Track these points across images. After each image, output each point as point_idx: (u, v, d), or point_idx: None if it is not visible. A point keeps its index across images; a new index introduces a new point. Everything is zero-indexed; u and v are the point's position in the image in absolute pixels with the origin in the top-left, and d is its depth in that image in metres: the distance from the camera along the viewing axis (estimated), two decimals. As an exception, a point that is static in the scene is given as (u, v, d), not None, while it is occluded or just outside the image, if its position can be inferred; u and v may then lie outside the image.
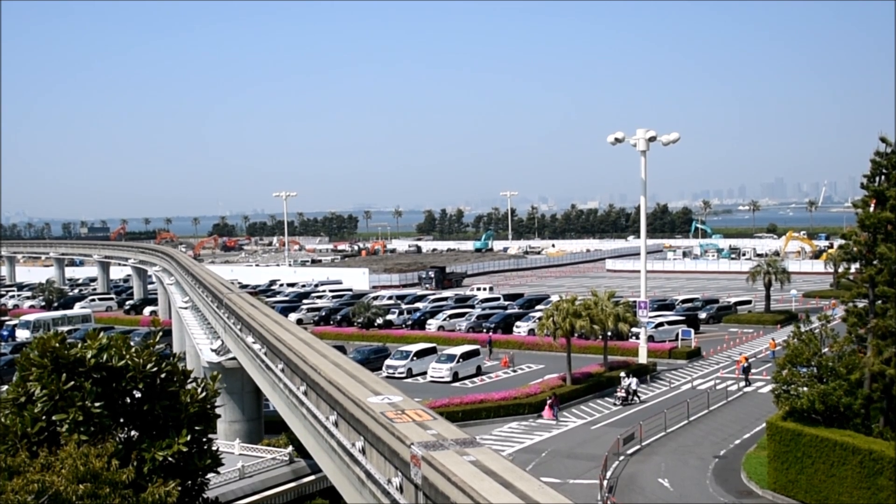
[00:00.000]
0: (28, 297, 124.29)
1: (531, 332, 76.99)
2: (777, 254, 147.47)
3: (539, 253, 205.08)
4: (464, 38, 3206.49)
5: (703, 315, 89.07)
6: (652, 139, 66.02)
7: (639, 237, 78.12)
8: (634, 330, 66.49)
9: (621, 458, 43.55)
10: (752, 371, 63.25)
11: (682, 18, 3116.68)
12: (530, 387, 56.44)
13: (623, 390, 56.10)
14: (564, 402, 55.03)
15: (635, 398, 56.22)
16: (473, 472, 15.38)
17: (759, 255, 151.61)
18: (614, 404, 55.43)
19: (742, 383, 59.57)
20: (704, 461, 43.22)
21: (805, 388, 37.62)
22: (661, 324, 77.20)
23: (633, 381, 56.79)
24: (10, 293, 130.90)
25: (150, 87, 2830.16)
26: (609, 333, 62.60)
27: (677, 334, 75.05)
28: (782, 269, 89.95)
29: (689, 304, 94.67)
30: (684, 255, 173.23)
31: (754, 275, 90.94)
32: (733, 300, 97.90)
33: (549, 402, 52.02)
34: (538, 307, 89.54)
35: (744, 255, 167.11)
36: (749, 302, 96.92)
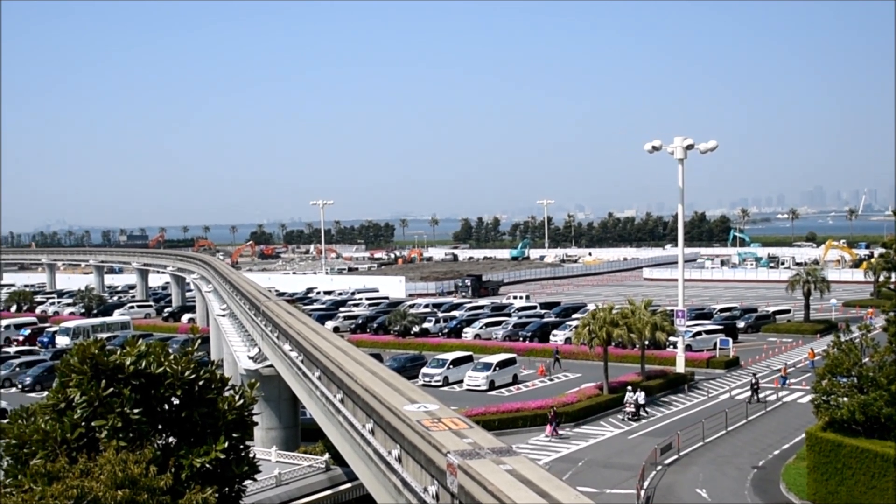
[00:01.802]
0: (68, 304, 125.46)
1: (568, 340, 76.67)
2: (816, 262, 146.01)
3: (576, 261, 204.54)
4: (501, 45, 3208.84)
5: (741, 324, 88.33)
6: (689, 147, 65.70)
7: (676, 246, 77.70)
8: (672, 339, 65.97)
9: (658, 468, 43.27)
10: (791, 382, 62.70)
11: (721, 24, 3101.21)
12: (567, 396, 56.24)
13: (630, 405, 54.78)
14: (602, 410, 54.81)
15: (643, 412, 55.09)
16: (510, 481, 15.33)
17: (799, 264, 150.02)
18: (622, 420, 54.17)
19: (750, 398, 57.47)
20: (743, 472, 42.84)
21: (845, 399, 37.22)
22: (698, 333, 76.65)
23: (640, 395, 55.50)
24: (51, 300, 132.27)
25: (189, 96, 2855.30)
26: (646, 342, 62.15)
27: (715, 343, 74.48)
28: (822, 278, 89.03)
29: (728, 314, 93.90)
30: (722, 263, 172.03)
31: (793, 284, 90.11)
32: (772, 309, 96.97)
33: (550, 416, 51.20)
34: (575, 316, 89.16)
35: (782, 263, 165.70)
36: (788, 311, 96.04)
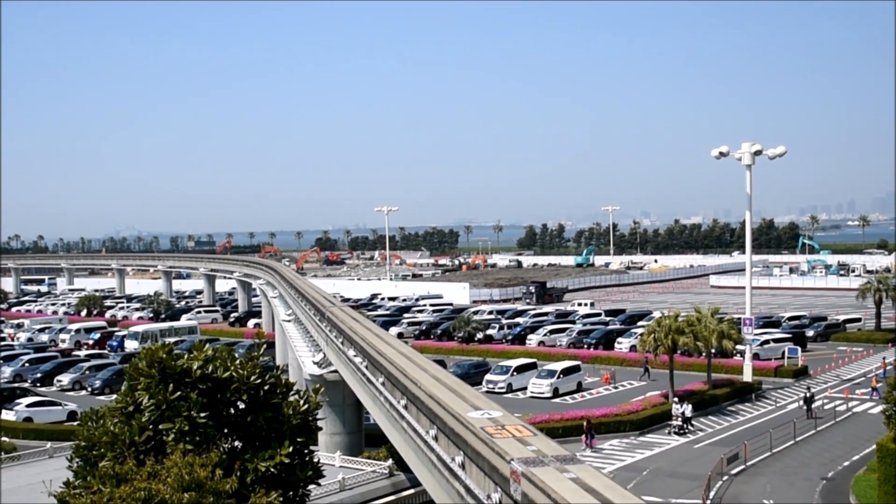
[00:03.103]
0: (137, 309, 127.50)
1: (633, 348, 76.20)
2: (888, 270, 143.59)
3: (641, 268, 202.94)
4: (565, 50, 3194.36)
5: (810, 333, 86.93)
6: (757, 153, 64.77)
7: (743, 253, 76.74)
8: (739, 347, 65.09)
9: (725, 477, 42.72)
10: (862, 392, 61.51)
11: (789, 25, 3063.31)
12: (632, 404, 55.81)
13: (678, 418, 52.92)
14: (668, 419, 54.21)
15: (690, 427, 53.02)
16: (574, 489, 15.22)
17: (870, 272, 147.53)
18: (668, 433, 52.42)
19: (807, 413, 55.01)
20: (811, 483, 42.14)
21: (918, 410, 36.45)
22: (766, 341, 75.59)
23: (688, 407, 53.51)
24: (120, 305, 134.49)
25: (256, 102, 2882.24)
26: (713, 351, 61.44)
27: (783, 352, 73.44)
28: (893, 286, 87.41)
29: (796, 322, 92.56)
30: (791, 271, 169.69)
31: (864, 292, 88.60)
32: (842, 318, 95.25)
33: (585, 427, 49.64)
34: (640, 323, 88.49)
35: (853, 271, 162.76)
36: (859, 319, 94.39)
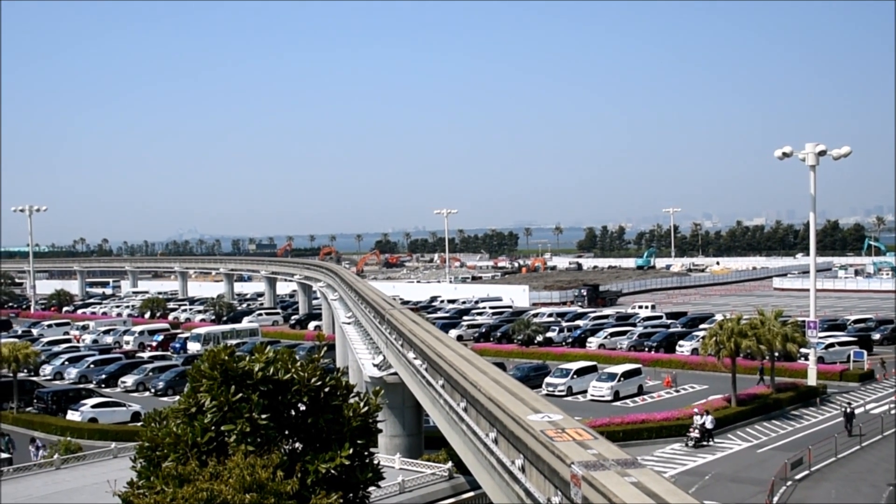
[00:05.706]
0: (199, 311, 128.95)
1: (694, 351, 75.45)
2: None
3: (703, 270, 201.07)
4: (626, 51, 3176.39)
5: (876, 336, 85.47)
6: (822, 153, 63.81)
7: (807, 255, 75.63)
8: (803, 351, 64.23)
9: (789, 483, 42.15)
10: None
11: (849, 23, 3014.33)
12: (693, 407, 55.31)
13: (696, 430, 50.69)
14: (730, 423, 53.63)
15: (710, 439, 50.86)
16: (635, 493, 15.09)
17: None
18: (686, 445, 50.44)
19: (846, 427, 51.93)
20: (878, 489, 41.41)
21: None
22: (831, 345, 74.47)
23: (709, 418, 51.37)
24: (182, 307, 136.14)
25: (311, 106, 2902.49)
26: (776, 354, 60.59)
27: (849, 356, 72.26)
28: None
29: (862, 325, 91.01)
30: (856, 273, 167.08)
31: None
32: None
33: None
34: (702, 326, 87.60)
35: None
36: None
